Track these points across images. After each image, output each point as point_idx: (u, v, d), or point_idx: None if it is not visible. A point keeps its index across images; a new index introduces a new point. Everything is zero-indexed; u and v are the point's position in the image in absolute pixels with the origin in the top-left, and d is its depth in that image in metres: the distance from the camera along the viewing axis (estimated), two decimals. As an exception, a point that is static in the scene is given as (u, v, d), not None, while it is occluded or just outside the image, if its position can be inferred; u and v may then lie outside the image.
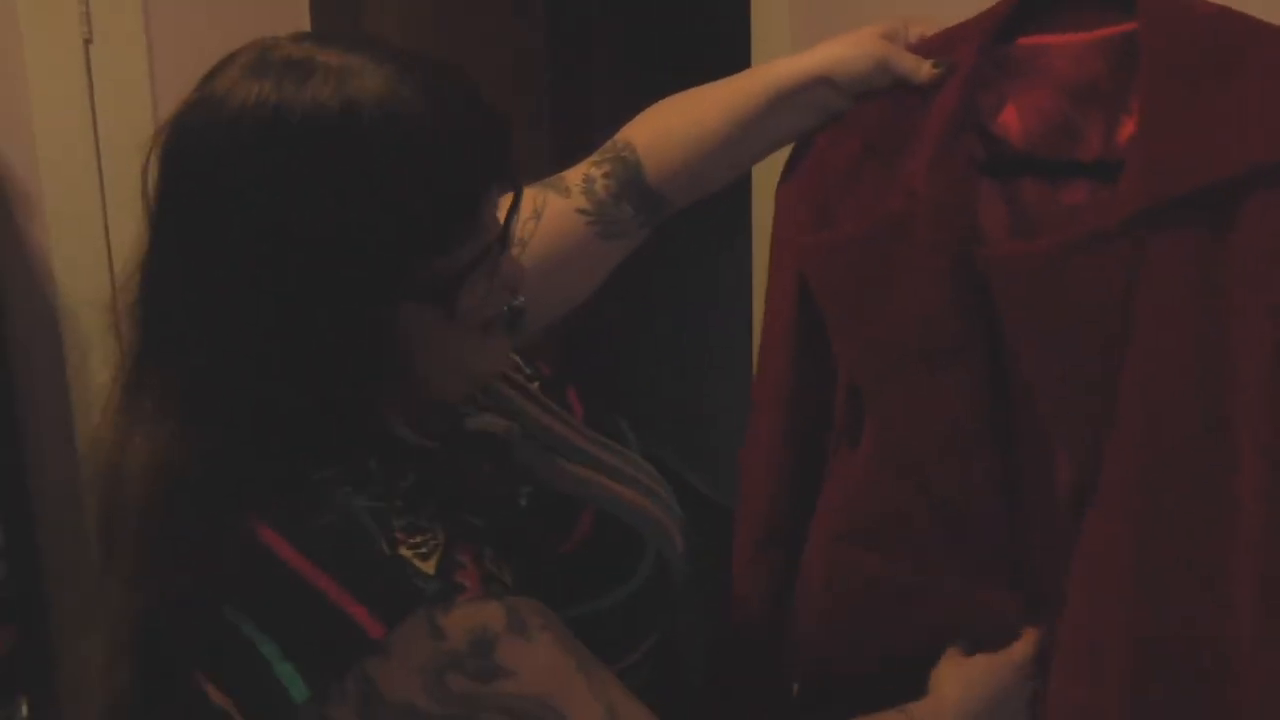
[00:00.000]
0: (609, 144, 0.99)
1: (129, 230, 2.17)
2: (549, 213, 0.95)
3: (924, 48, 0.91)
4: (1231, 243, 0.76)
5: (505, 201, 0.76)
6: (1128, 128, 0.84)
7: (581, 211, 0.95)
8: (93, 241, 1.94)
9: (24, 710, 1.86)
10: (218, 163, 0.67)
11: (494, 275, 0.74)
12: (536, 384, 0.94)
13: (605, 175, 0.96)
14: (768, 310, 0.98)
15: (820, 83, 0.91)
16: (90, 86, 1.91)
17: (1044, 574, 0.88)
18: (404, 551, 0.67)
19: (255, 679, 0.67)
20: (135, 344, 0.72)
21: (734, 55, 1.82)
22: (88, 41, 1.89)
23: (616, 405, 1.04)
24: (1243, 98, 0.76)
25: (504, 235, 0.74)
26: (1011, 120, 0.88)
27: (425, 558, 0.68)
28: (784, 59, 0.94)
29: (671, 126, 0.97)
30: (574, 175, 0.97)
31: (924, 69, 0.88)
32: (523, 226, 0.93)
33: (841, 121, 0.93)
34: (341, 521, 0.68)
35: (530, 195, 0.94)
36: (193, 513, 0.68)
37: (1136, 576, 0.81)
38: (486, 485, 0.79)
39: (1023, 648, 0.88)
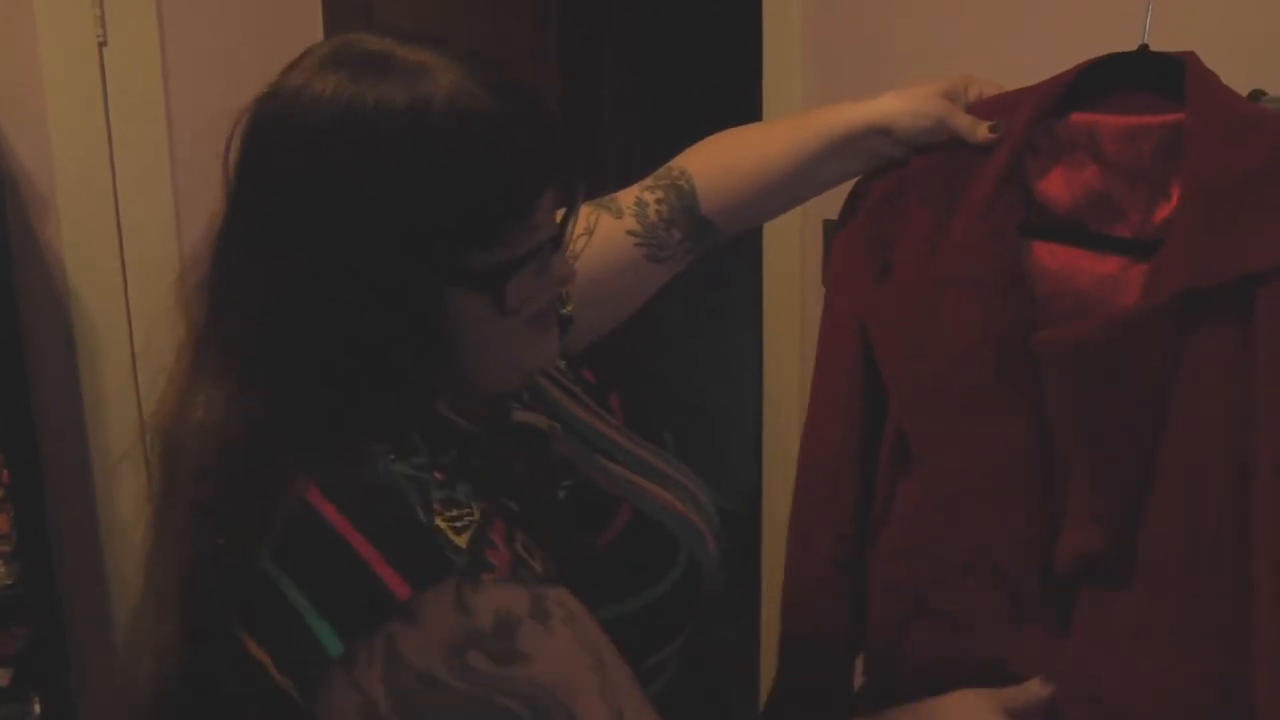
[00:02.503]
0: (664, 170, 1.03)
1: (141, 230, 2.18)
2: (600, 231, 0.99)
3: (981, 108, 0.95)
4: (1258, 331, 0.80)
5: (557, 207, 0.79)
6: (1164, 211, 0.87)
7: (631, 233, 0.99)
8: (106, 242, 1.95)
9: (37, 710, 1.87)
10: (291, 149, 0.70)
11: (545, 272, 0.77)
12: (579, 388, 0.97)
13: (659, 201, 1.00)
14: (823, 345, 1.03)
15: (879, 132, 0.95)
16: (104, 89, 1.91)
17: (1080, 632, 0.90)
18: (440, 523, 0.69)
19: (291, 634, 0.68)
20: (202, 317, 0.75)
21: (745, 66, 1.83)
22: (102, 44, 1.90)
23: (662, 420, 1.07)
24: (1273, 202, 0.80)
25: (559, 236, 0.77)
26: (1056, 189, 0.92)
27: (459, 532, 0.69)
28: (846, 105, 0.98)
29: (730, 159, 1.01)
30: (627, 197, 1.01)
31: (980, 130, 0.92)
32: (575, 241, 0.97)
33: (897, 173, 0.97)
34: (382, 487, 0.69)
35: (584, 213, 0.98)
36: (242, 470, 0.70)
37: (1171, 636, 0.85)
38: (525, 473, 0.80)
39: (1011, 693, 0.88)
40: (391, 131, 0.68)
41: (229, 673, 0.72)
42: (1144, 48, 0.90)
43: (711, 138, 1.05)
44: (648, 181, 1.02)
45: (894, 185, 0.97)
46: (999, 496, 0.91)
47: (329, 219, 0.69)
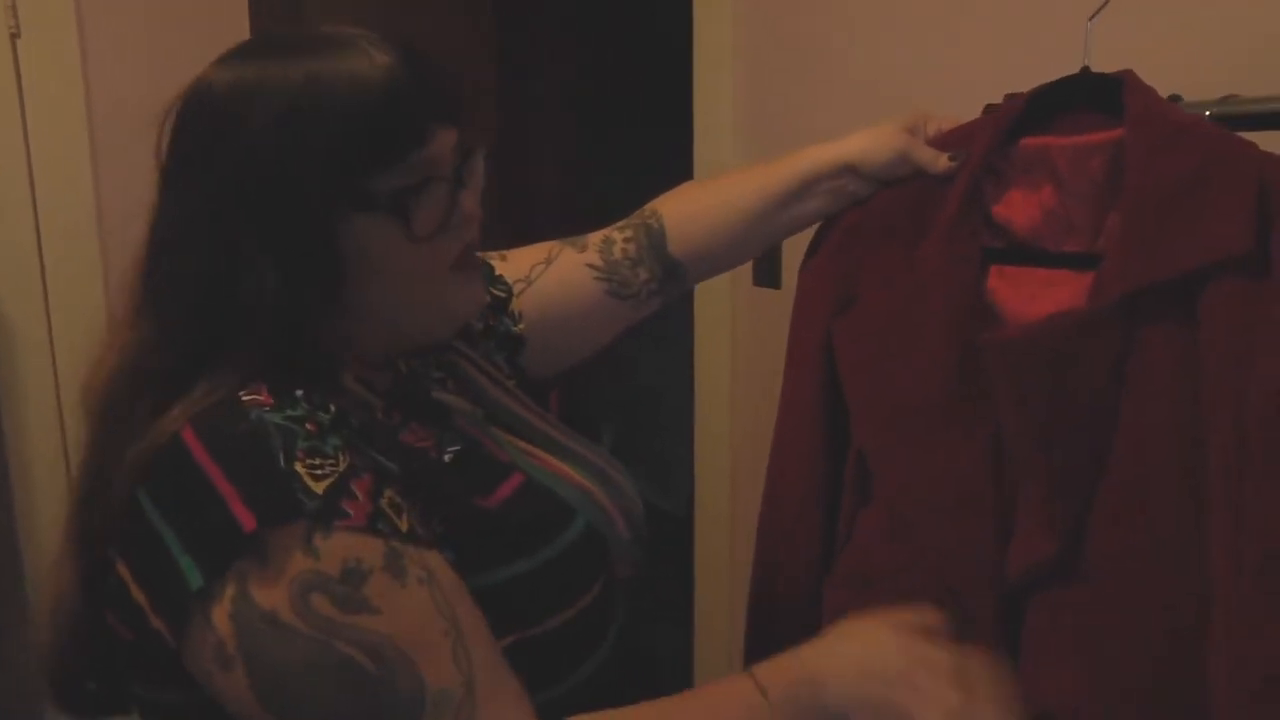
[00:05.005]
0: (637, 212, 1.07)
1: (61, 228, 2.11)
2: (560, 261, 1.04)
3: (941, 141, 0.99)
4: (1201, 329, 0.83)
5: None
6: (1114, 223, 0.91)
7: (592, 266, 1.03)
8: (23, 240, 1.88)
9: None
10: (205, 116, 0.77)
11: (454, 209, 0.80)
12: (513, 381, 0.99)
13: (626, 239, 1.04)
14: (788, 376, 1.05)
15: (846, 170, 1.00)
16: (19, 82, 1.85)
17: (1029, 642, 0.92)
18: (298, 467, 0.70)
19: (162, 569, 0.70)
20: (137, 274, 0.80)
21: (679, 56, 1.84)
22: (15, 36, 1.83)
23: (604, 415, 1.10)
24: (1206, 204, 0.83)
25: (458, 173, 0.81)
26: (1014, 211, 0.96)
27: (318, 479, 0.71)
28: (814, 147, 1.02)
29: (702, 202, 1.05)
30: (596, 236, 1.05)
31: (941, 161, 0.97)
32: (532, 268, 1.03)
33: (864, 206, 1.00)
34: (249, 431, 0.71)
35: (548, 246, 1.05)
36: (132, 399, 0.75)
37: (1121, 646, 0.87)
38: (407, 434, 0.83)
39: (905, 616, 0.83)
40: (289, 84, 0.75)
41: (115, 615, 0.75)
42: (1085, 69, 0.94)
43: (685, 184, 1.09)
44: (620, 223, 1.06)
45: (859, 218, 1.00)
46: (955, 515, 0.93)
47: (235, 162, 0.75)
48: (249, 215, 0.75)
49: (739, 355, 1.84)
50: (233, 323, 0.75)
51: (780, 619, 1.05)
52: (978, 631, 0.92)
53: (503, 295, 1.02)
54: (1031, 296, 0.94)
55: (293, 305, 0.75)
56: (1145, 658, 0.86)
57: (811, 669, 0.79)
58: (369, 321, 0.81)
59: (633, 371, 3.28)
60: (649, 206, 1.07)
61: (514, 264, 1.04)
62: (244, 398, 0.73)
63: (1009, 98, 1.01)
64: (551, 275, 1.03)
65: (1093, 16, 0.94)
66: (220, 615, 0.69)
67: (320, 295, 0.77)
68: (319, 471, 0.71)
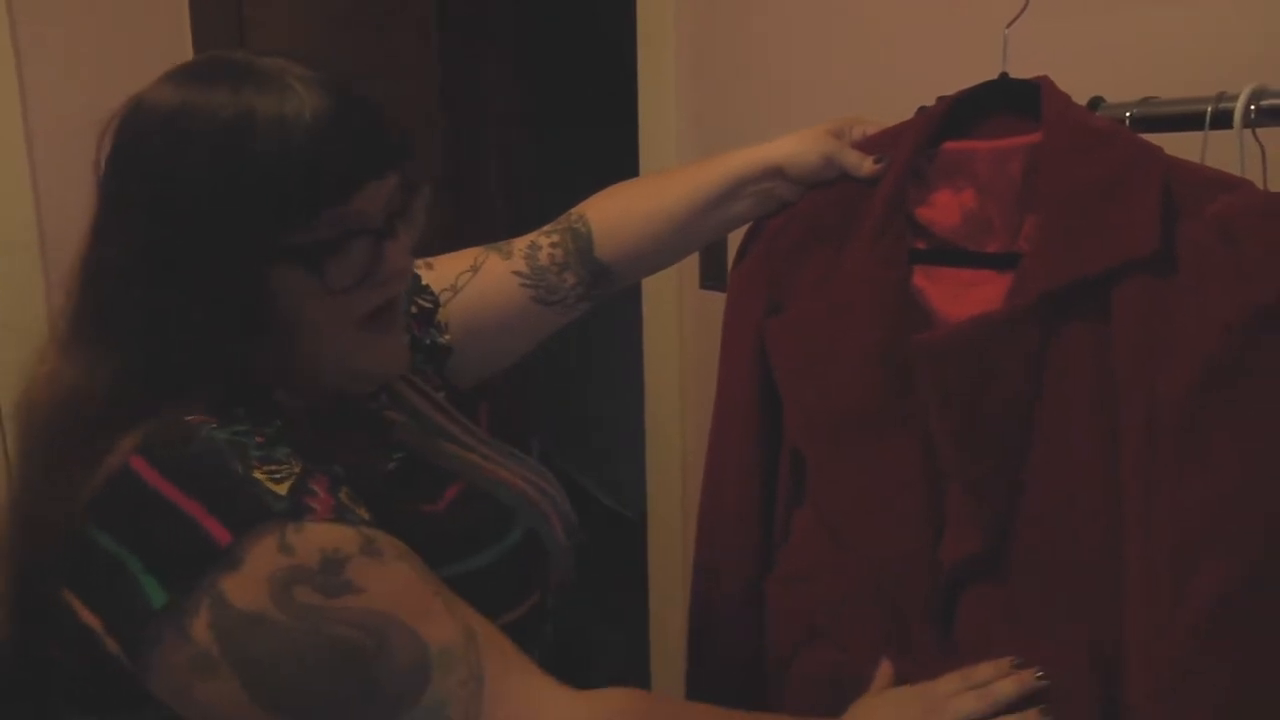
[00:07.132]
0: (563, 216, 1.06)
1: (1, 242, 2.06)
2: (485, 269, 1.03)
3: (867, 145, 1.00)
4: (1115, 329, 0.85)
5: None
6: (1032, 224, 0.93)
7: (518, 273, 1.03)
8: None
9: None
10: (137, 140, 0.77)
11: (377, 261, 0.79)
12: (444, 394, 0.99)
13: (553, 245, 1.04)
14: (722, 380, 1.05)
15: (773, 173, 1.01)
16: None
17: (962, 641, 0.93)
18: (257, 474, 0.72)
19: (119, 592, 0.70)
20: (70, 294, 0.80)
21: (623, 65, 1.85)
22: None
23: (532, 426, 1.10)
24: (1117, 206, 0.85)
25: (387, 224, 0.79)
26: (937, 213, 0.98)
27: (278, 481, 0.72)
28: (742, 150, 1.03)
29: (628, 205, 1.05)
30: (522, 241, 1.05)
31: (866, 164, 0.99)
32: (458, 277, 1.02)
33: (791, 210, 1.01)
34: (201, 449, 0.72)
35: (475, 253, 1.04)
36: (71, 435, 0.75)
37: (1043, 643, 0.87)
38: (352, 444, 0.83)
39: (942, 685, 0.86)
40: (217, 124, 0.74)
41: (58, 643, 0.74)
42: (1004, 75, 0.96)
43: (612, 186, 1.09)
44: (547, 226, 1.06)
45: (788, 221, 1.01)
46: (888, 515, 0.94)
47: (162, 202, 0.75)
48: (180, 253, 0.75)
49: (687, 357, 1.86)
50: (176, 359, 0.76)
51: (722, 616, 1.06)
52: (912, 637, 0.93)
53: (429, 306, 1.02)
54: (954, 297, 0.96)
55: (225, 344, 0.76)
56: (1067, 655, 0.86)
57: None
58: (295, 362, 0.81)
59: (584, 376, 3.29)
60: (576, 210, 1.07)
61: (440, 272, 1.03)
62: (188, 419, 0.74)
63: (940, 101, 1.04)
64: (477, 284, 1.03)
65: (1010, 24, 0.97)
66: (199, 627, 0.69)
67: (249, 337, 0.77)
68: (277, 475, 0.72)
